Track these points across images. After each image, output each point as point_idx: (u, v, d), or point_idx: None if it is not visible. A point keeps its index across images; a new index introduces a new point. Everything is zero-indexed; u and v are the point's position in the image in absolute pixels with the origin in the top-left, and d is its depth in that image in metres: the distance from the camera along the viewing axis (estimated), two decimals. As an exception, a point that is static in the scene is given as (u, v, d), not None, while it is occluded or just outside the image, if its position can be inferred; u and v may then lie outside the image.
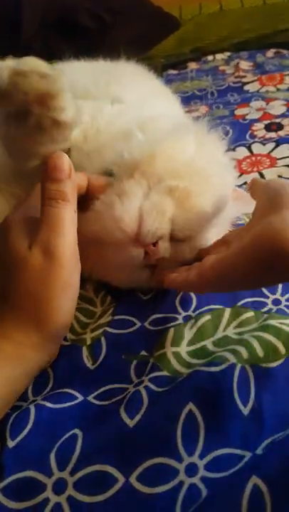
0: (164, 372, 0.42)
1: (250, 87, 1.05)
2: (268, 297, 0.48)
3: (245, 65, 1.20)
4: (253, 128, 0.84)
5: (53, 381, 0.44)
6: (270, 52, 1.25)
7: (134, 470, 0.34)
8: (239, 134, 0.82)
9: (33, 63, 0.39)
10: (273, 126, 0.83)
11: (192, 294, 0.50)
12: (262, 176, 0.69)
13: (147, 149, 0.47)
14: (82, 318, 0.50)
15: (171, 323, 0.47)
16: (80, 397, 0.41)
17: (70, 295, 0.42)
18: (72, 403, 0.40)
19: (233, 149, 0.77)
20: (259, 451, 0.34)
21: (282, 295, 0.48)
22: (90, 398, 0.41)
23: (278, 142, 0.77)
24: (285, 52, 1.24)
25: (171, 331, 0.46)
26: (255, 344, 0.41)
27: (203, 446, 0.35)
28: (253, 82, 1.07)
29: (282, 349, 0.41)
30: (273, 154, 0.74)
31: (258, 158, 0.74)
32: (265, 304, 0.47)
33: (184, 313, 0.48)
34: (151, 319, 0.48)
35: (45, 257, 0.40)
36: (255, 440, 0.35)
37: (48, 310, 0.40)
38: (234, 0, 1.57)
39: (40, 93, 0.38)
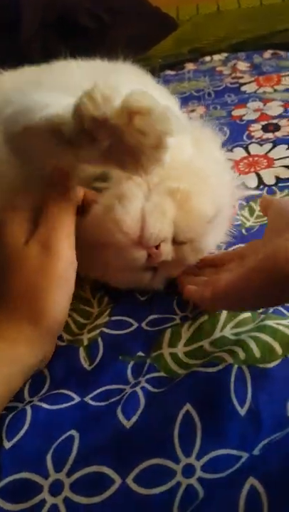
0: (161, 373, 0.41)
1: (248, 88, 1.05)
2: (265, 298, 0.48)
3: (242, 65, 1.20)
4: (250, 129, 0.84)
5: (49, 382, 0.43)
6: (267, 53, 1.26)
7: (130, 471, 0.34)
8: (236, 134, 0.82)
9: (144, 100, 0.35)
10: (270, 127, 0.83)
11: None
12: (259, 176, 0.69)
13: None
14: (79, 318, 0.50)
15: (169, 324, 0.47)
16: (77, 398, 0.41)
17: (66, 289, 0.42)
18: (69, 404, 0.40)
19: (231, 150, 0.77)
20: (256, 451, 0.34)
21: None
22: (87, 399, 0.40)
23: (275, 143, 0.77)
24: (282, 53, 1.24)
25: (168, 331, 0.46)
26: (252, 345, 0.41)
27: (200, 447, 0.35)
28: (250, 83, 1.07)
29: (278, 349, 0.41)
30: (270, 155, 0.74)
31: (255, 158, 0.74)
32: (262, 305, 0.47)
33: (181, 314, 0.48)
34: (148, 320, 0.48)
35: (42, 251, 0.40)
36: (252, 441, 0.35)
37: (42, 303, 0.40)
38: (231, 1, 1.58)
39: (158, 134, 0.35)
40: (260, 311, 0.46)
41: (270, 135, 0.81)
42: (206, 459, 0.35)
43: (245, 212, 0.62)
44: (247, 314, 0.46)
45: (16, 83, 0.77)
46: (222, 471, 0.34)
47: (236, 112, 0.93)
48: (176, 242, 0.47)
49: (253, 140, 0.80)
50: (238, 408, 0.37)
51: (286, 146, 0.75)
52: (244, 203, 0.63)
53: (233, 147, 0.78)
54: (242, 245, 0.49)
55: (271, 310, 0.46)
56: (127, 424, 0.37)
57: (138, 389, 0.40)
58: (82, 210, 0.46)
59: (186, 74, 1.27)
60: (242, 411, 0.37)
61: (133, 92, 0.36)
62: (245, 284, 0.36)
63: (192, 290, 0.45)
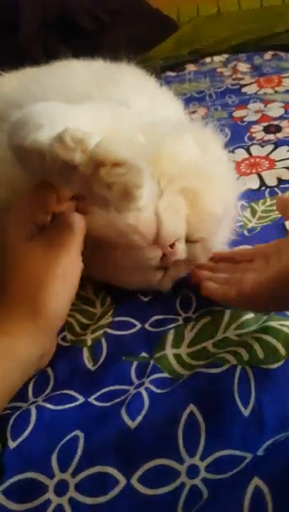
0: (165, 374, 0.42)
1: (248, 89, 1.05)
2: (267, 299, 0.48)
3: (243, 67, 1.20)
4: (252, 130, 0.84)
5: (53, 382, 0.43)
6: (268, 55, 1.26)
7: (135, 471, 0.34)
8: (238, 136, 0.83)
9: (111, 151, 0.35)
10: (272, 128, 0.84)
11: (192, 295, 0.50)
12: (260, 177, 0.69)
13: (151, 151, 0.48)
14: (83, 319, 0.50)
15: (172, 325, 0.47)
16: (81, 399, 0.41)
17: (68, 285, 0.42)
18: (73, 405, 0.40)
19: (232, 151, 0.77)
20: (260, 452, 0.34)
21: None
22: (91, 399, 0.40)
23: (277, 144, 0.78)
24: (282, 54, 1.24)
25: (172, 332, 0.46)
26: (256, 346, 0.41)
27: (204, 447, 0.35)
28: (251, 84, 1.07)
29: (282, 350, 0.41)
30: (272, 156, 0.75)
31: (257, 160, 0.75)
32: (265, 306, 0.47)
33: (184, 315, 0.48)
34: (151, 321, 0.48)
35: (47, 248, 0.41)
36: (255, 441, 0.35)
37: (43, 296, 0.40)
38: (232, 2, 1.58)
39: (124, 188, 0.35)
40: (263, 311, 0.46)
41: (271, 136, 0.81)
42: (210, 459, 0.35)
43: (247, 213, 0.62)
44: (250, 315, 0.46)
45: (19, 85, 0.77)
46: (226, 472, 0.34)
47: (237, 114, 0.94)
48: (189, 240, 0.47)
49: (255, 141, 0.81)
50: (242, 409, 0.37)
51: (287, 148, 0.76)
52: (246, 204, 0.63)
53: (235, 148, 0.79)
54: (261, 244, 0.49)
55: (274, 311, 0.46)
56: (132, 424, 0.37)
57: (142, 389, 0.40)
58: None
59: (186, 75, 1.27)
60: (246, 412, 0.37)
61: (102, 141, 0.36)
62: (273, 286, 0.37)
63: (212, 288, 0.45)
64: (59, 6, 1.40)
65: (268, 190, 0.67)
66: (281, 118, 0.87)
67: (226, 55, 1.33)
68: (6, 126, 0.56)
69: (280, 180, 0.68)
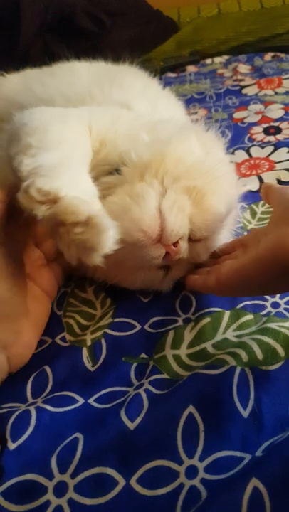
0: (164, 375, 0.42)
1: (249, 91, 1.06)
2: (267, 300, 0.48)
3: (243, 68, 1.21)
4: (252, 131, 0.85)
5: (52, 382, 0.44)
6: (268, 56, 1.26)
7: (134, 472, 0.35)
8: (238, 137, 0.83)
9: (73, 211, 0.35)
10: (272, 130, 0.84)
11: (192, 297, 0.50)
12: (260, 179, 0.70)
13: (155, 150, 0.48)
14: (82, 320, 0.50)
15: (171, 326, 0.47)
16: (81, 400, 0.41)
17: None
18: (73, 407, 0.40)
19: (232, 152, 0.78)
20: (259, 453, 0.35)
21: (281, 298, 0.48)
22: (91, 401, 0.41)
23: (276, 146, 0.78)
24: (282, 55, 1.25)
25: (171, 333, 0.46)
26: (255, 347, 0.41)
27: (203, 448, 0.35)
28: (251, 85, 1.08)
29: (281, 352, 0.41)
30: (272, 158, 0.75)
31: (257, 161, 0.75)
32: (264, 307, 0.47)
33: (183, 316, 0.48)
34: (151, 322, 0.48)
35: None
36: (254, 442, 0.35)
37: None
38: (232, 3, 1.58)
39: (83, 246, 0.36)
40: (263, 313, 0.46)
41: (271, 138, 0.81)
42: (208, 460, 0.35)
43: (247, 215, 0.62)
44: (249, 316, 0.46)
45: (21, 85, 0.78)
46: (225, 473, 0.34)
47: (237, 115, 0.94)
48: (192, 239, 0.47)
49: (255, 143, 0.81)
50: (241, 410, 0.37)
51: (287, 149, 0.76)
52: (246, 206, 0.63)
53: (235, 150, 0.79)
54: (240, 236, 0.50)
55: (273, 312, 0.46)
56: (131, 425, 0.37)
57: (141, 391, 0.40)
58: None
59: (187, 76, 1.27)
60: (245, 413, 0.37)
61: (65, 200, 0.36)
62: (248, 272, 0.37)
63: (194, 278, 0.46)
64: (60, 8, 1.41)
65: (267, 191, 0.67)
66: (281, 119, 0.87)
67: (226, 56, 1.34)
68: (8, 126, 0.56)
69: (280, 182, 0.68)
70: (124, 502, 0.33)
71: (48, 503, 0.33)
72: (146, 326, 0.48)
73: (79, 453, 0.36)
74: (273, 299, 0.48)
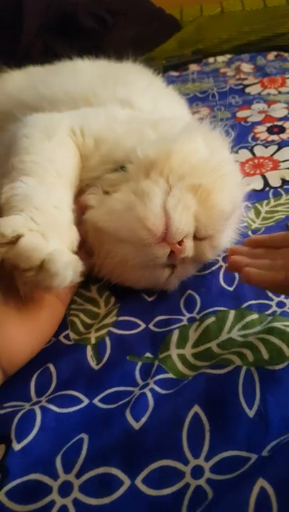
0: (170, 375, 0.41)
1: (252, 90, 1.05)
2: (272, 300, 0.48)
3: (246, 67, 1.20)
4: (256, 130, 0.84)
5: (56, 381, 0.43)
6: (271, 55, 1.26)
7: (139, 472, 0.34)
8: (241, 136, 0.82)
9: (26, 256, 0.38)
10: (275, 129, 0.83)
11: (196, 296, 0.50)
12: (264, 178, 0.69)
13: (161, 148, 0.48)
14: (86, 319, 0.50)
15: (176, 325, 0.47)
16: (86, 400, 0.40)
17: None
18: (78, 407, 0.40)
19: (236, 151, 0.77)
20: (265, 453, 0.34)
21: (286, 298, 0.48)
22: (96, 401, 0.40)
23: (280, 145, 0.77)
24: (285, 54, 1.24)
25: (176, 332, 0.46)
26: (260, 346, 0.41)
27: (208, 448, 0.35)
28: (254, 84, 1.07)
29: (287, 351, 0.41)
30: (276, 157, 0.75)
31: (261, 160, 0.75)
32: (269, 307, 0.47)
33: (188, 315, 0.48)
34: (155, 321, 0.48)
35: None
36: (260, 442, 0.35)
37: None
38: (235, 2, 1.58)
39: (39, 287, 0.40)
40: (268, 312, 0.46)
41: (275, 137, 0.81)
42: (214, 460, 0.35)
43: (251, 214, 0.62)
44: (254, 316, 0.46)
45: (25, 83, 0.78)
46: (231, 473, 0.34)
47: (241, 114, 0.94)
48: (197, 238, 0.47)
49: (258, 142, 0.80)
50: (247, 410, 0.37)
51: (291, 148, 0.76)
52: (250, 205, 0.63)
53: (238, 149, 0.79)
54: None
55: (279, 312, 0.46)
56: (136, 425, 0.37)
57: (146, 390, 0.40)
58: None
59: (189, 75, 1.27)
60: (250, 413, 0.37)
61: (19, 244, 0.38)
62: None
63: (255, 273, 0.44)
64: (62, 7, 1.40)
65: (271, 190, 0.66)
66: (285, 119, 0.87)
67: (229, 55, 1.33)
68: (11, 125, 0.57)
69: (284, 181, 0.68)
70: (130, 502, 0.33)
71: (52, 503, 0.33)
72: (150, 325, 0.48)
73: (84, 453, 0.36)
74: (279, 299, 0.48)
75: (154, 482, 0.34)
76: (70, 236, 0.45)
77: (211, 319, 0.47)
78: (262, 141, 0.81)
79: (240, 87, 1.09)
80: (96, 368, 0.44)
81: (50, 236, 0.41)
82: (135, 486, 0.34)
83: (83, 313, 0.51)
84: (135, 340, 0.46)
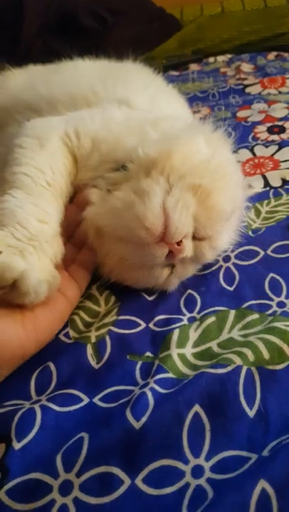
0: (170, 374, 0.41)
1: (252, 90, 1.05)
2: (272, 300, 0.48)
3: (246, 67, 1.20)
4: (256, 130, 0.84)
5: (56, 379, 0.43)
6: (271, 55, 1.26)
7: (140, 472, 0.34)
8: (242, 136, 0.82)
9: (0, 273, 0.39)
10: (276, 129, 0.83)
11: (196, 295, 0.50)
12: (265, 178, 0.69)
13: (162, 147, 0.48)
14: (86, 317, 0.50)
15: (176, 325, 0.47)
16: (86, 399, 0.40)
17: None
18: (78, 406, 0.40)
19: (236, 151, 0.77)
20: (265, 453, 0.34)
21: (286, 298, 0.48)
22: (96, 400, 0.40)
23: (281, 145, 0.77)
24: (286, 55, 1.24)
25: (176, 332, 0.46)
26: (261, 346, 0.41)
27: (209, 448, 0.35)
28: (254, 84, 1.07)
29: (287, 351, 0.41)
30: (276, 157, 0.75)
31: (261, 160, 0.75)
32: (269, 307, 0.47)
33: (188, 315, 0.48)
34: (155, 320, 0.48)
35: None
36: (261, 443, 0.35)
37: None
38: (236, 2, 1.58)
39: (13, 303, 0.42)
40: (268, 312, 0.46)
41: (275, 137, 0.81)
42: (215, 459, 0.35)
43: (252, 214, 0.62)
44: (255, 316, 0.46)
45: (26, 82, 0.78)
46: (231, 472, 0.34)
47: (241, 114, 0.94)
48: (196, 238, 0.47)
49: (259, 142, 0.80)
50: (247, 409, 0.37)
51: (292, 148, 0.76)
52: (250, 205, 0.62)
53: (238, 148, 0.79)
54: None
55: (279, 312, 0.46)
56: (137, 425, 0.37)
57: (147, 390, 0.39)
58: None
59: (189, 75, 1.27)
60: (251, 412, 0.37)
61: None
62: None
63: None
64: (62, 6, 1.40)
65: (272, 190, 0.66)
66: (285, 119, 0.87)
67: (229, 55, 1.33)
68: (10, 127, 0.58)
69: (285, 181, 0.68)
70: (130, 501, 0.33)
71: (53, 502, 0.33)
72: (150, 325, 0.48)
73: (84, 452, 0.36)
74: (279, 299, 0.48)
75: (154, 481, 0.34)
76: (54, 248, 0.46)
77: (212, 319, 0.47)
78: (262, 141, 0.81)
79: (241, 86, 1.09)
80: (96, 366, 0.44)
81: (29, 252, 0.43)
82: (135, 485, 0.34)
83: (83, 311, 0.51)
84: (135, 339, 0.46)
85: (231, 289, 0.50)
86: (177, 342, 0.45)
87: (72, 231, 0.53)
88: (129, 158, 0.50)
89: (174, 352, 0.44)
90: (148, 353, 0.45)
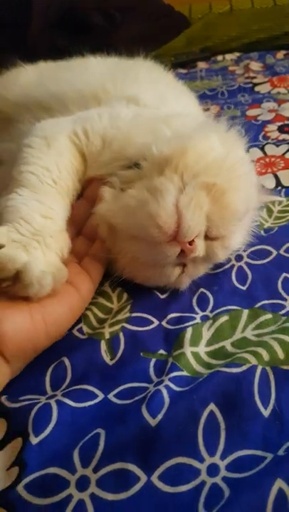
0: (184, 372, 0.42)
1: (261, 88, 1.05)
2: (285, 300, 0.48)
3: (255, 65, 1.20)
4: (266, 129, 0.84)
5: (71, 375, 0.43)
6: (280, 54, 1.26)
7: (155, 469, 0.34)
8: (252, 135, 0.82)
9: (2, 264, 0.40)
10: (286, 128, 0.83)
11: (209, 294, 0.50)
12: (276, 177, 0.69)
13: (176, 145, 0.48)
14: (99, 313, 0.50)
15: (189, 323, 0.47)
16: (101, 395, 0.41)
17: None
18: (93, 402, 0.40)
19: (247, 150, 0.77)
20: (281, 452, 0.34)
21: (299, 297, 0.48)
22: (111, 396, 0.40)
23: (291, 144, 0.77)
24: (294, 54, 1.24)
25: (189, 330, 0.46)
26: (276, 346, 0.41)
27: (224, 446, 0.35)
28: (263, 83, 1.07)
29: (302, 352, 0.41)
30: (287, 156, 0.74)
31: (272, 159, 0.74)
32: (283, 307, 0.47)
33: (201, 313, 0.48)
34: (168, 318, 0.48)
35: None
36: (276, 442, 0.35)
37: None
38: (244, 0, 1.57)
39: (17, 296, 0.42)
40: (282, 312, 0.46)
41: (286, 136, 0.81)
42: (230, 458, 0.35)
43: (264, 214, 0.62)
44: (268, 316, 0.46)
45: (36, 79, 0.78)
46: (247, 471, 0.34)
47: (251, 112, 0.94)
48: (209, 237, 0.47)
49: (269, 141, 0.80)
50: (262, 409, 0.37)
51: (303, 148, 0.76)
52: (262, 204, 0.62)
53: (249, 147, 0.78)
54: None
55: (293, 312, 0.46)
56: (153, 422, 0.37)
57: (162, 387, 0.40)
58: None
59: (198, 73, 1.27)
60: (265, 412, 0.37)
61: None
62: None
63: None
64: (71, 3, 1.40)
65: (284, 190, 0.66)
66: (295, 118, 0.86)
67: (237, 53, 1.33)
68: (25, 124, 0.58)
69: (296, 181, 0.68)
70: (146, 498, 0.33)
71: (70, 497, 0.33)
72: (163, 322, 0.48)
73: (101, 448, 0.36)
74: (292, 299, 0.48)
75: (170, 479, 0.34)
76: (59, 243, 0.46)
77: (224, 318, 0.47)
78: (273, 139, 0.81)
79: (250, 85, 1.09)
80: (110, 363, 0.44)
81: (33, 246, 0.43)
82: (151, 482, 0.34)
83: (96, 307, 0.51)
84: (148, 336, 0.46)
85: (244, 288, 0.51)
86: (190, 340, 0.45)
87: (83, 225, 0.53)
88: (142, 156, 0.50)
89: (188, 350, 0.44)
90: (161, 351, 0.45)
